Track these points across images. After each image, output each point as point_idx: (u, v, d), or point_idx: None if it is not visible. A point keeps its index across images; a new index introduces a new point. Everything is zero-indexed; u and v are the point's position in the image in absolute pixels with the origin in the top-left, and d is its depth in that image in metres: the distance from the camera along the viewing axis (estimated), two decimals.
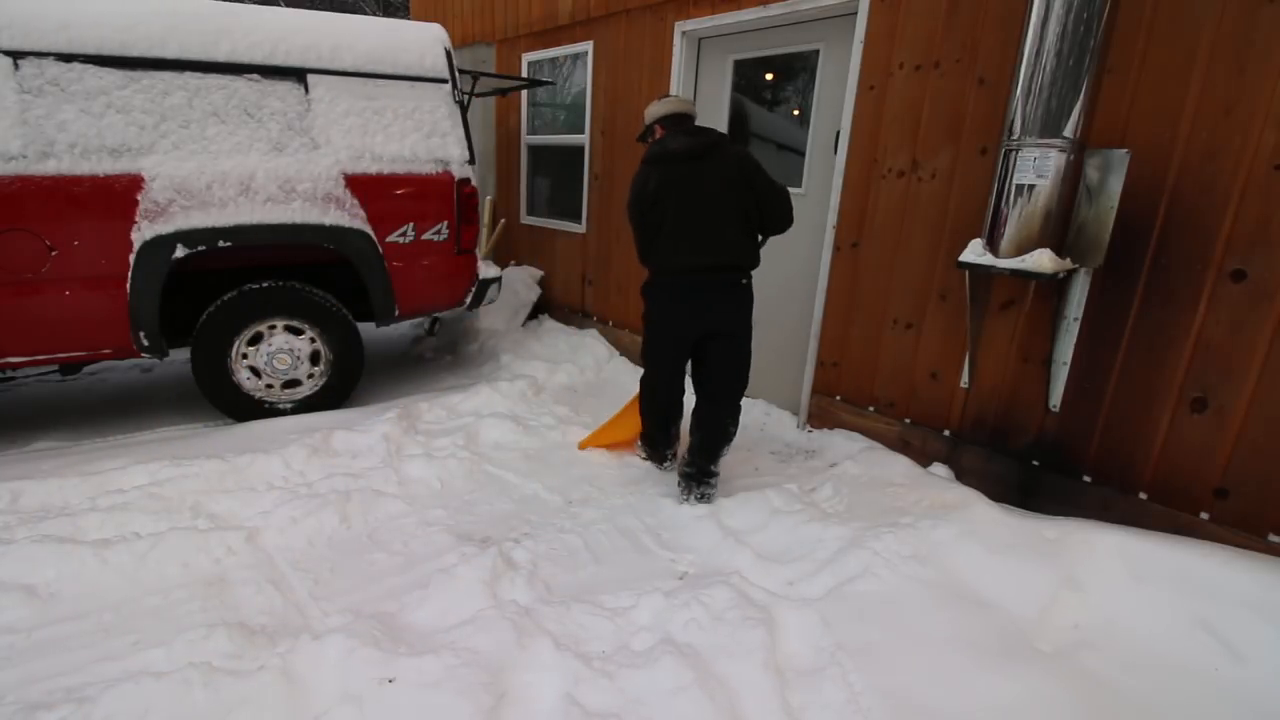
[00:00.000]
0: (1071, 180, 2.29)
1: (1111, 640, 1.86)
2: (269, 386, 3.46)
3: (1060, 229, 2.34)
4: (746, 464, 3.18)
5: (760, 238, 2.69)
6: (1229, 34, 2.07)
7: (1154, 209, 2.26)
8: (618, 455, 3.18)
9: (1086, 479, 2.51)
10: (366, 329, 4.45)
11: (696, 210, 2.55)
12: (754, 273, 2.69)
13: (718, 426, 2.75)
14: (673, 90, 4.03)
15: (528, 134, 5.63)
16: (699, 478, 2.74)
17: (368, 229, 3.43)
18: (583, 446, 3.21)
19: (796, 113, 3.60)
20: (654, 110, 2.74)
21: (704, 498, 2.72)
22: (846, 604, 1.98)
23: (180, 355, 3.84)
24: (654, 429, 3.01)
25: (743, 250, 2.61)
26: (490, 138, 6.08)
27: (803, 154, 3.54)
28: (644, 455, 3.14)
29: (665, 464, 3.06)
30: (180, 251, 3.02)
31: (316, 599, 2.07)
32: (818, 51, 3.39)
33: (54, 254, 2.87)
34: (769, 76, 3.74)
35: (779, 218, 2.65)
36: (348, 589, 2.13)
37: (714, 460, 2.76)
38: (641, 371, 2.97)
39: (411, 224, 3.58)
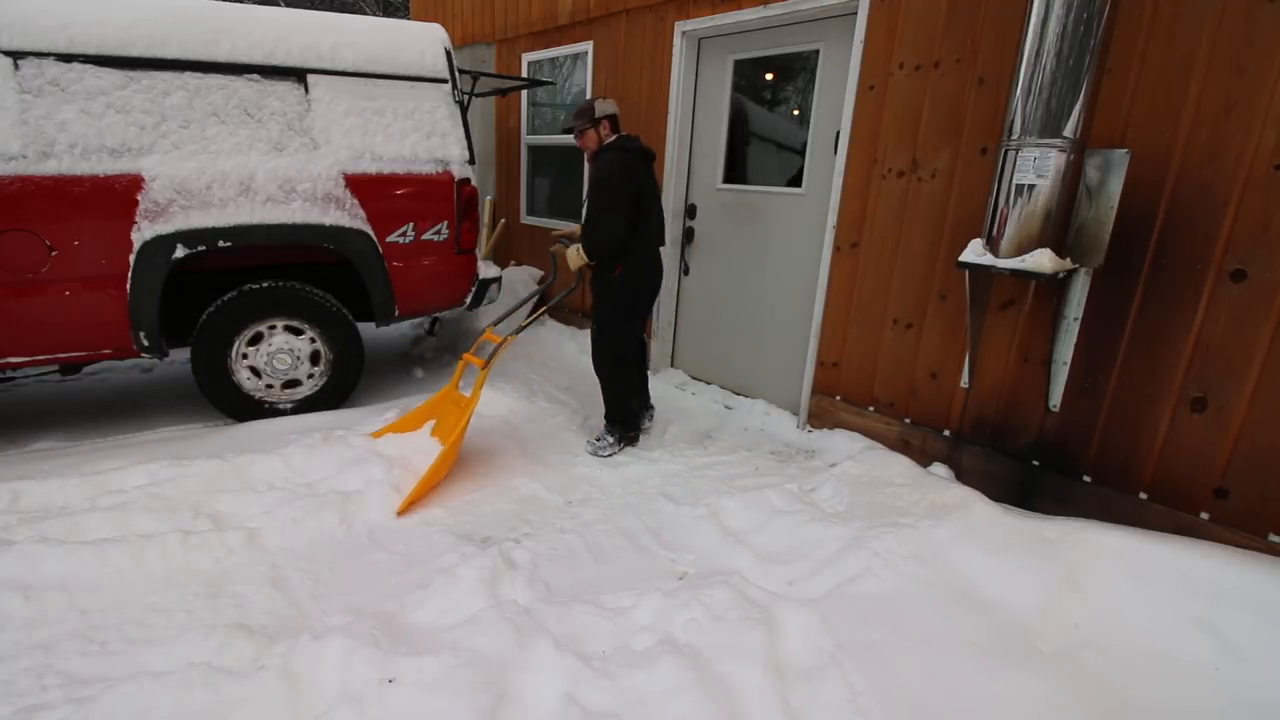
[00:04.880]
0: (1071, 180, 2.29)
1: (1111, 640, 1.86)
2: (269, 386, 3.46)
3: (1060, 229, 2.34)
4: (746, 464, 3.18)
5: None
6: (1229, 34, 2.07)
7: (1154, 209, 2.26)
8: (611, 463, 3.17)
9: (1086, 479, 2.51)
10: (366, 329, 4.46)
11: (658, 200, 3.19)
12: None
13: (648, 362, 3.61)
14: (672, 91, 4.03)
15: (528, 134, 5.63)
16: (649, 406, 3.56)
17: (368, 229, 3.43)
18: (403, 511, 2.58)
19: (796, 113, 3.60)
20: (607, 107, 3.13)
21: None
22: (847, 604, 1.98)
23: (180, 355, 3.84)
24: (634, 398, 3.32)
25: None
26: (490, 138, 6.07)
27: (803, 154, 3.54)
28: (618, 444, 3.25)
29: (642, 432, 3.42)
30: (180, 252, 3.02)
31: (316, 599, 2.07)
32: (818, 51, 3.39)
33: (54, 254, 2.87)
34: (769, 76, 3.74)
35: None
36: (348, 589, 2.13)
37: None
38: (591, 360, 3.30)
39: (411, 224, 3.58)
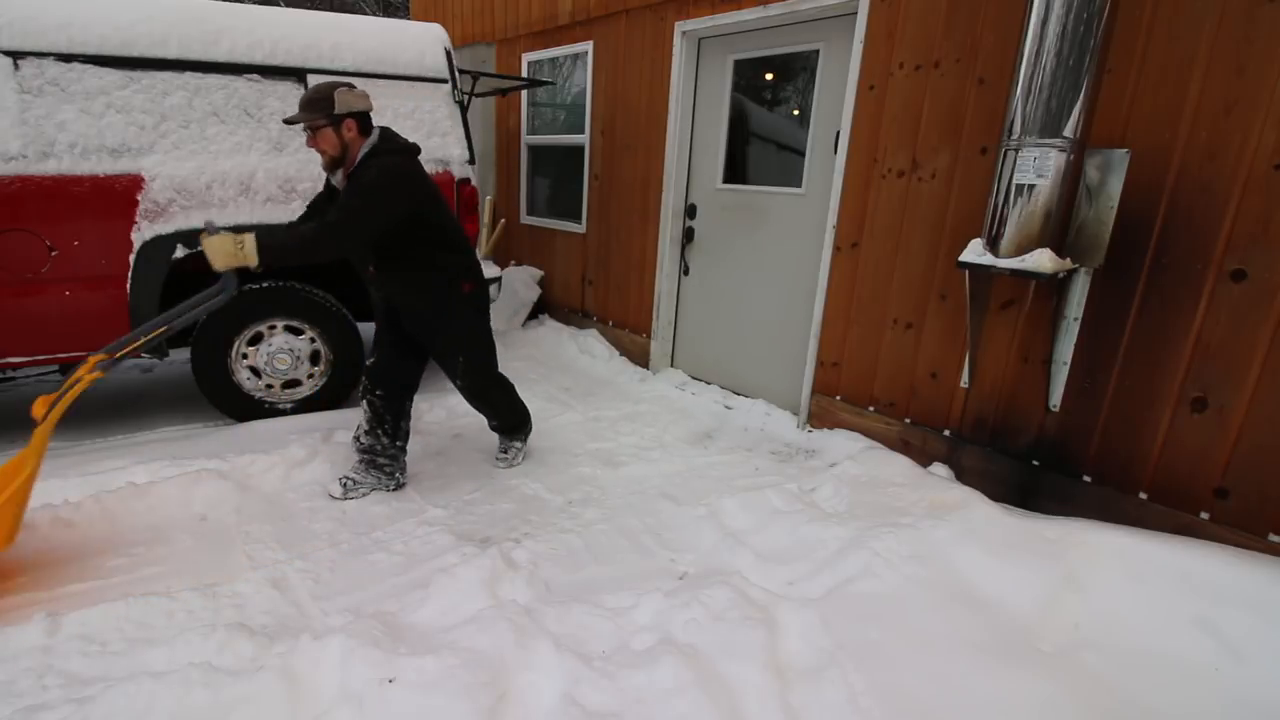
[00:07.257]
0: (1071, 180, 2.28)
1: (1112, 640, 1.86)
2: (269, 386, 3.46)
3: (1060, 229, 2.34)
4: (746, 464, 3.18)
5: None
6: (1229, 34, 2.07)
7: (1154, 209, 2.26)
8: (611, 463, 3.16)
9: (1086, 479, 2.51)
10: (366, 329, 4.45)
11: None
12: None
13: None
14: (672, 91, 4.03)
15: (528, 134, 5.63)
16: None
17: None
18: None
19: (796, 113, 3.60)
20: (354, 101, 2.34)
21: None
22: (847, 604, 1.98)
23: (180, 355, 3.84)
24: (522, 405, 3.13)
25: None
26: (490, 138, 6.07)
27: (803, 154, 3.53)
28: (522, 449, 3.13)
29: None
30: (180, 252, 3.03)
31: (316, 599, 2.08)
32: (818, 51, 3.39)
33: (54, 254, 2.87)
34: (769, 76, 3.74)
35: None
36: (348, 589, 2.13)
37: None
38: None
39: None
